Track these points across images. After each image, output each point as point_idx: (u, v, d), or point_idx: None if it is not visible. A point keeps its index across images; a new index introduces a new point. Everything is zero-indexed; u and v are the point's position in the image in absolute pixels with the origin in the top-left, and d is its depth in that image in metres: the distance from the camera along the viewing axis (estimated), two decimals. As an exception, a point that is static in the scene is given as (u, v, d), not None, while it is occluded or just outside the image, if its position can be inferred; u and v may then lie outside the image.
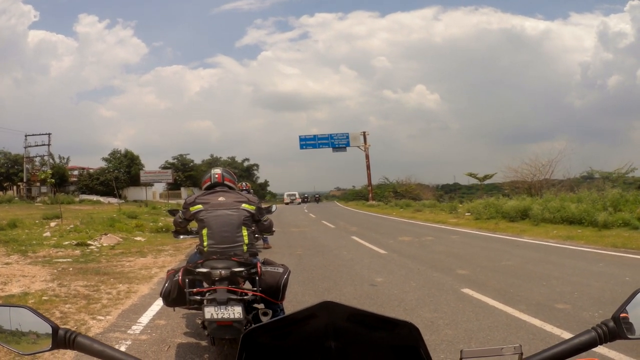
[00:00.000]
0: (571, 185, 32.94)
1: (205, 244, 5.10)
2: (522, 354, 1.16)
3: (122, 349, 5.77)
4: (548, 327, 6.07)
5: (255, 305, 5.04)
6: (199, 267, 4.93)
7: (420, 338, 1.18)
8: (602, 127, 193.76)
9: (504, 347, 1.15)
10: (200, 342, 5.91)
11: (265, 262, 5.27)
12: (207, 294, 4.75)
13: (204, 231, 5.13)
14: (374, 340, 1.23)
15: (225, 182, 5.53)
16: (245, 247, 5.16)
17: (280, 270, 5.15)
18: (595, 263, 10.73)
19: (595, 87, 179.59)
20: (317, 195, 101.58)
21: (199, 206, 5.26)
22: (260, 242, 14.13)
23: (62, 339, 1.31)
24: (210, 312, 4.55)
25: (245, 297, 4.77)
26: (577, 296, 7.66)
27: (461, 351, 1.16)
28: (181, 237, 6.14)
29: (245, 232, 5.21)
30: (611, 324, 1.25)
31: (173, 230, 6.22)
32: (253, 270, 4.95)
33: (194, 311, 6.17)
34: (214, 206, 5.22)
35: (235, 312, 4.56)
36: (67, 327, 6.63)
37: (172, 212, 6.24)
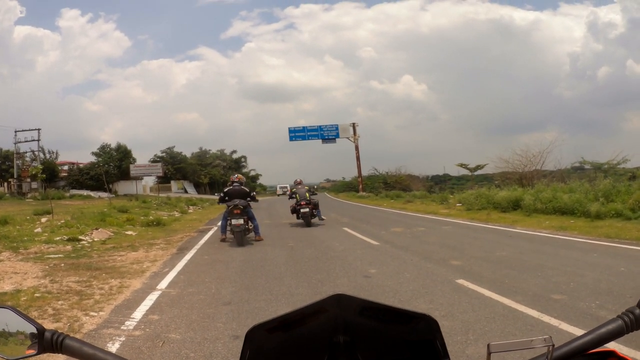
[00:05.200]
0: (562, 175, 33.10)
1: (230, 202, 15.01)
2: (553, 345, 1.09)
3: (116, 345, 5.72)
4: (545, 318, 6.03)
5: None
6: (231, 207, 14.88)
7: (439, 331, 1.14)
8: (593, 118, 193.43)
9: (533, 339, 1.09)
10: (194, 338, 5.85)
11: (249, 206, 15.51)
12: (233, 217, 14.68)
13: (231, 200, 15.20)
14: (386, 334, 1.18)
15: (239, 180, 15.92)
16: (244, 203, 15.07)
17: (252, 211, 15.63)
18: (589, 253, 10.72)
19: (585, 77, 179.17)
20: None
21: (228, 189, 15.64)
22: (252, 234, 15.44)
23: (48, 342, 1.21)
24: (233, 221, 14.51)
25: (244, 217, 14.68)
26: (573, 287, 7.63)
27: (488, 345, 1.09)
28: (222, 204, 16.31)
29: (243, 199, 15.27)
30: (637, 311, 1.17)
31: (218, 201, 17.05)
32: (247, 209, 15.10)
33: (186, 306, 7.49)
34: (233, 189, 15.46)
35: (240, 221, 14.46)
36: (59, 325, 6.65)
37: (221, 198, 15.81)
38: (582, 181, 23.27)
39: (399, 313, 1.14)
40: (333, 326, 1.14)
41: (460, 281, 8.48)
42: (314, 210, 20.47)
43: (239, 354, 1.14)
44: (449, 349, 1.18)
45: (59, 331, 1.23)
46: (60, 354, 1.26)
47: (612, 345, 1.20)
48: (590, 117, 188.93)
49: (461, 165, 66.04)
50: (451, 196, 33.96)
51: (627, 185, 20.07)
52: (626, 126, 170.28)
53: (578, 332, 5.30)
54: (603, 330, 1.18)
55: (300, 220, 20.63)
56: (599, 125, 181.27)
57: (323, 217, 21.33)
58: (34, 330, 1.22)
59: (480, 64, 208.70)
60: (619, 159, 36.23)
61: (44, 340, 1.21)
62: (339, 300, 1.10)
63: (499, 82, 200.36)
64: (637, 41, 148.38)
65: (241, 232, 14.51)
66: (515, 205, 22.30)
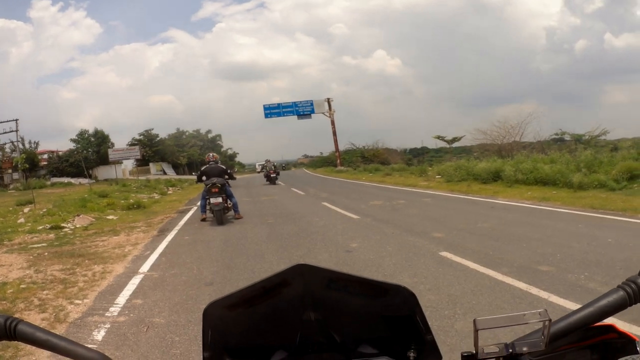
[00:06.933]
0: (542, 147, 33.22)
1: (208, 180, 15.02)
2: (549, 320, 0.98)
3: (102, 333, 5.64)
4: (534, 290, 5.98)
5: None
6: (209, 186, 14.92)
7: (417, 304, 1.03)
8: (571, 91, 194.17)
9: (526, 314, 0.96)
10: (178, 321, 5.78)
11: (228, 184, 15.50)
12: (212, 196, 14.78)
13: (209, 178, 15.17)
14: (360, 309, 1.07)
15: (214, 159, 15.86)
16: (222, 181, 15.02)
17: (230, 188, 15.64)
18: (574, 224, 10.65)
19: (562, 51, 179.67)
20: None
21: (205, 168, 15.53)
22: (231, 212, 15.76)
23: (2, 329, 1.08)
24: (212, 200, 14.62)
25: (222, 195, 14.78)
26: (560, 258, 7.57)
27: (474, 321, 0.96)
28: (199, 183, 15.86)
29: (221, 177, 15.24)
30: (639, 280, 1.06)
31: (196, 180, 16.62)
32: (225, 187, 15.10)
33: (169, 288, 7.52)
34: (210, 168, 15.40)
35: (219, 200, 14.53)
36: (45, 315, 6.54)
37: (198, 177, 15.79)
38: (563, 152, 23.34)
39: (370, 285, 1.04)
40: (300, 301, 1.04)
41: (444, 253, 8.45)
42: (277, 175, 37.84)
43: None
44: (436, 323, 1.08)
45: (13, 316, 1.13)
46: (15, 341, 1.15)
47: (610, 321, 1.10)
48: (568, 90, 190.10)
49: (438, 137, 66.34)
50: (430, 168, 34.00)
51: (610, 156, 20.12)
52: (606, 99, 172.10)
53: (569, 304, 5.31)
54: (604, 302, 1.05)
55: (268, 182, 36.77)
56: (578, 98, 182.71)
57: (280, 182, 37.12)
58: None
59: (455, 38, 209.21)
60: (600, 131, 36.40)
61: None
62: (302, 272, 1.00)
63: (474, 56, 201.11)
64: (615, 15, 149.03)
65: (220, 211, 14.65)
66: (495, 177, 22.29)
